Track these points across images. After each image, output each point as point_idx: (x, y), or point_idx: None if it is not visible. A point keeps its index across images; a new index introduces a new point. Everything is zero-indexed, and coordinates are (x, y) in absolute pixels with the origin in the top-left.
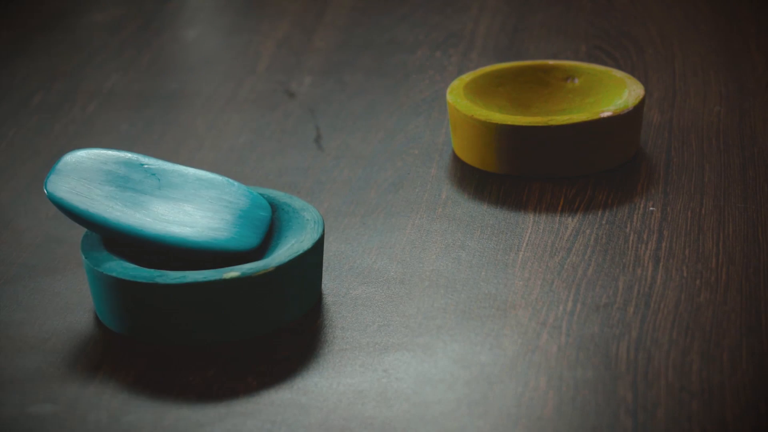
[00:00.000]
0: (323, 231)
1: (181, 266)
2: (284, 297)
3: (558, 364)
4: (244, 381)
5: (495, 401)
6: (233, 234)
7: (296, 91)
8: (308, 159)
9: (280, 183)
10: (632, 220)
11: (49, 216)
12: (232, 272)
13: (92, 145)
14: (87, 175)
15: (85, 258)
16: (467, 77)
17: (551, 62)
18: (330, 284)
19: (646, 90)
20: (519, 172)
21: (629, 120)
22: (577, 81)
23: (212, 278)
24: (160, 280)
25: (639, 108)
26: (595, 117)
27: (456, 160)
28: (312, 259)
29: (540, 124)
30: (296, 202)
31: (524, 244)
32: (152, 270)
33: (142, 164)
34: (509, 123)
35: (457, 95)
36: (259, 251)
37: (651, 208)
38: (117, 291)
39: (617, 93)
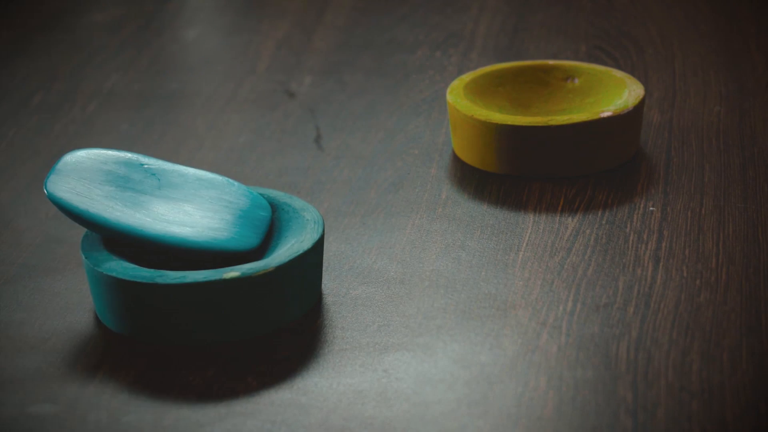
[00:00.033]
0: (323, 231)
1: (181, 266)
2: (284, 297)
3: (558, 364)
4: (244, 381)
5: (495, 401)
6: (233, 234)
7: (296, 91)
8: (308, 159)
9: (280, 183)
10: (632, 220)
11: (49, 216)
12: (232, 272)
13: (92, 145)
14: (87, 175)
15: (85, 258)
16: (467, 77)
17: (551, 62)
18: (330, 284)
19: (646, 90)
20: (519, 172)
21: (629, 120)
22: (577, 81)
23: (212, 278)
24: (160, 280)
25: (639, 108)
26: (595, 117)
27: (456, 160)
28: (312, 259)
29: (540, 124)
30: (296, 202)
31: (524, 244)
32: (152, 270)
33: (142, 164)
34: (509, 123)
35: (457, 95)
36: (259, 251)
37: (651, 208)
38: (117, 291)
39: (617, 93)
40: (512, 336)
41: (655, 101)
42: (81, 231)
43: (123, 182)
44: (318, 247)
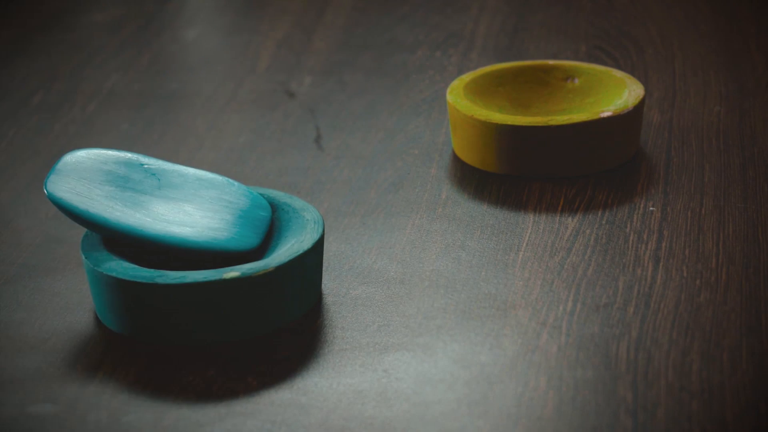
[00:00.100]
0: (323, 231)
1: (181, 266)
2: (284, 297)
3: (558, 364)
4: (244, 381)
5: (495, 401)
6: (233, 234)
7: (296, 91)
8: (308, 159)
9: (280, 183)
10: (632, 220)
11: (49, 216)
12: (232, 272)
13: (92, 145)
14: (87, 175)
15: (85, 258)
16: (467, 77)
17: (551, 62)
18: (330, 284)
19: (646, 90)
20: (519, 172)
21: (629, 120)
22: (577, 81)
23: (212, 278)
24: (160, 280)
25: (639, 108)
26: (595, 117)
27: (456, 160)
28: (312, 259)
29: (540, 124)
30: (296, 202)
31: (524, 244)
32: (152, 270)
33: (142, 164)
34: (509, 123)
35: (457, 95)
36: (259, 251)
37: (651, 208)
38: (117, 291)
39: (617, 93)
40: (512, 336)
41: (655, 101)
42: (81, 231)
43: (123, 182)
44: (318, 247)
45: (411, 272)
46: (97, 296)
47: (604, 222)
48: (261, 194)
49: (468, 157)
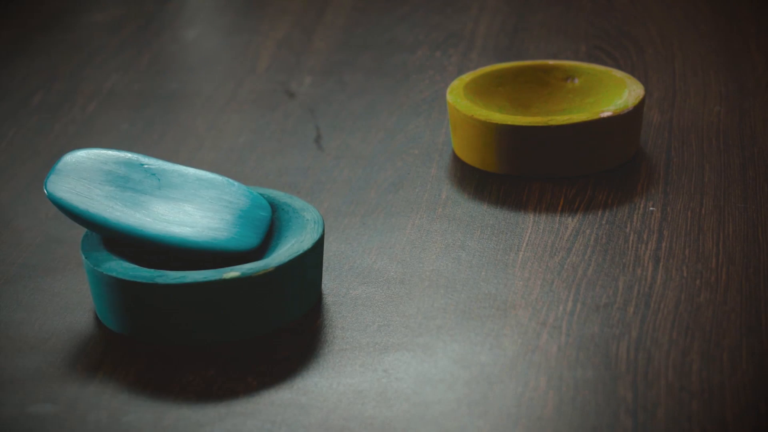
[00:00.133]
0: (323, 231)
1: (181, 266)
2: (284, 297)
3: (558, 364)
4: (244, 381)
5: (495, 401)
6: (233, 234)
7: (296, 91)
8: (308, 159)
9: (280, 183)
10: (632, 220)
11: (49, 216)
12: (232, 272)
13: (92, 145)
14: (87, 175)
15: (85, 258)
16: (467, 77)
17: (551, 62)
18: (330, 284)
19: (646, 90)
20: (519, 172)
21: (629, 120)
22: (577, 81)
23: (212, 278)
24: (160, 280)
25: (639, 108)
26: (595, 117)
27: (456, 160)
28: (312, 259)
29: (540, 124)
30: (296, 202)
31: (524, 244)
32: (152, 270)
33: (142, 164)
34: (509, 123)
35: (457, 95)
36: (259, 251)
37: (651, 208)
38: (117, 291)
39: (617, 93)
40: (512, 336)
41: (655, 101)
42: (81, 231)
43: (123, 182)
44: (318, 247)
45: (411, 272)
46: (97, 296)
47: (604, 222)
48: (261, 194)
49: (468, 157)
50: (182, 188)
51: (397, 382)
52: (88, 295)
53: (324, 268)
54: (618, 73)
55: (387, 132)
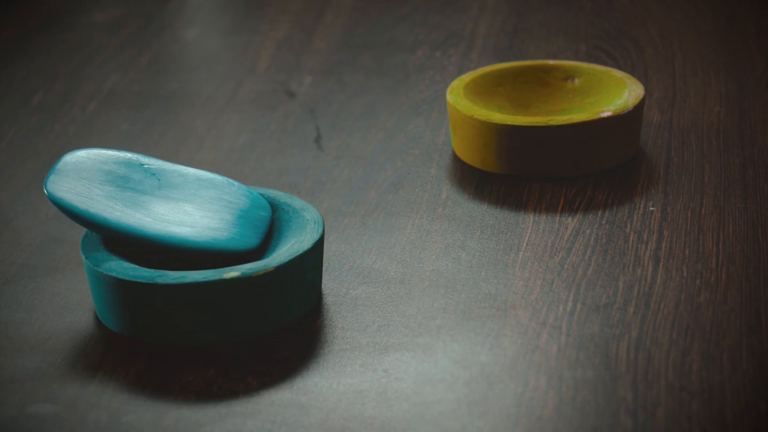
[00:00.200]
0: (323, 231)
1: (181, 266)
2: (284, 297)
3: (558, 364)
4: (244, 381)
5: (495, 401)
6: (233, 234)
7: (296, 91)
8: (308, 159)
9: (280, 183)
10: (632, 220)
11: (49, 216)
12: (232, 272)
13: (92, 145)
14: (87, 175)
15: (85, 258)
16: (467, 77)
17: (551, 62)
18: (330, 284)
19: (646, 90)
20: (519, 172)
21: (629, 120)
22: (577, 81)
23: (212, 278)
24: (160, 280)
25: (639, 108)
26: (595, 117)
27: (456, 160)
28: (312, 259)
29: (540, 124)
30: (296, 202)
31: (524, 244)
32: (152, 270)
33: (142, 164)
34: (509, 123)
35: (457, 95)
36: (259, 251)
37: (651, 208)
38: (117, 291)
39: (617, 93)
40: (512, 336)
41: (655, 101)
42: (81, 231)
43: (123, 182)
44: (318, 247)
45: (411, 272)
46: (97, 296)
47: (604, 222)
48: (261, 194)
49: (468, 157)
50: (182, 188)
51: (397, 382)
52: (88, 295)
53: (324, 268)
54: (618, 73)
55: (387, 132)
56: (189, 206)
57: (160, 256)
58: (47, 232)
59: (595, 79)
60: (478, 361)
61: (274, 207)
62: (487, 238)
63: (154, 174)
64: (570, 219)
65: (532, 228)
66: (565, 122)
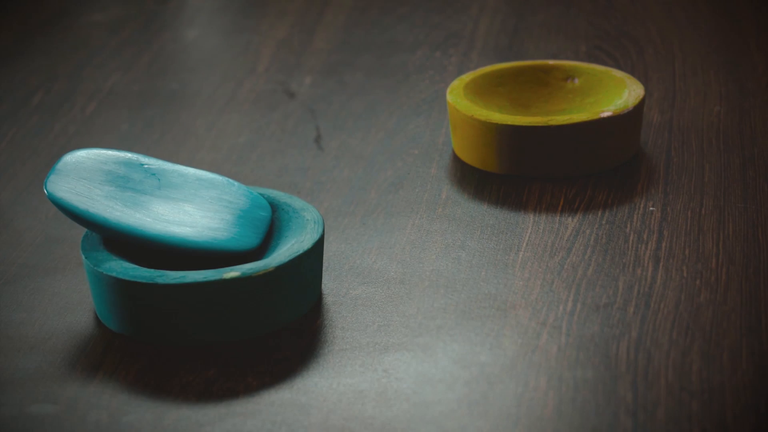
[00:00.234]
0: (323, 231)
1: (181, 266)
2: (284, 297)
3: (558, 364)
4: (244, 381)
5: (495, 401)
6: (233, 234)
7: (296, 91)
8: (308, 159)
9: (280, 183)
10: (632, 220)
11: (49, 216)
12: (232, 272)
13: (92, 145)
14: (87, 175)
15: (85, 258)
16: (467, 77)
17: (551, 62)
18: (330, 284)
19: (646, 90)
20: (519, 172)
21: (629, 120)
22: (577, 81)
23: (212, 278)
24: (160, 280)
25: (639, 108)
26: (595, 117)
27: (456, 160)
28: (312, 259)
29: (540, 124)
30: (296, 202)
31: (524, 244)
32: (152, 270)
33: (142, 164)
34: (509, 123)
35: (457, 95)
36: (259, 251)
37: (651, 208)
38: (117, 291)
39: (617, 93)
40: (512, 336)
41: (655, 101)
42: (81, 231)
43: (123, 182)
44: (318, 247)
45: (411, 272)
46: (97, 296)
47: (604, 222)
48: (261, 194)
49: (468, 157)
50: (182, 188)
51: (397, 382)
52: (88, 295)
53: (324, 268)
54: (618, 73)
55: (387, 132)
56: (189, 206)
57: (160, 256)
58: (47, 232)
59: (595, 79)
60: (478, 361)
61: (274, 207)
62: (487, 238)
63: (154, 174)
64: (570, 219)
65: (532, 228)
66: (565, 122)
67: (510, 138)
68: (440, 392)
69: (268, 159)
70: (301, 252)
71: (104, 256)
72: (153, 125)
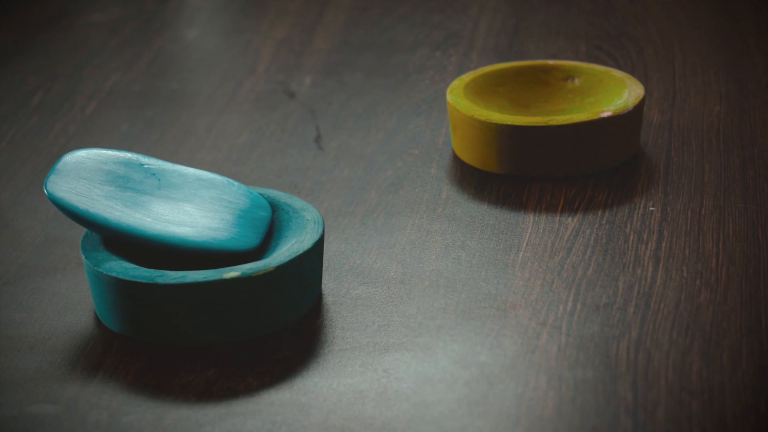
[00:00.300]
0: (323, 231)
1: (181, 266)
2: (284, 297)
3: (558, 364)
4: (244, 381)
5: (495, 401)
6: (233, 234)
7: (296, 91)
8: (308, 159)
9: (280, 183)
10: (632, 220)
11: (49, 216)
12: (232, 272)
13: (92, 145)
14: (87, 175)
15: (85, 258)
16: (467, 77)
17: (551, 62)
18: (330, 284)
19: (646, 90)
20: (519, 172)
21: (629, 120)
22: (577, 81)
23: (212, 278)
24: (160, 280)
25: (639, 108)
26: (595, 117)
27: (456, 160)
28: (312, 259)
29: (540, 124)
30: (296, 202)
31: (524, 244)
32: (152, 270)
33: (142, 164)
34: (509, 123)
35: (457, 95)
36: (259, 251)
37: (651, 208)
38: (117, 291)
39: (617, 93)
40: (512, 336)
41: (655, 101)
42: (81, 231)
43: (123, 182)
44: (318, 247)
45: (411, 272)
46: (97, 296)
47: (604, 222)
48: (261, 194)
49: (468, 157)
50: (182, 188)
51: (397, 382)
52: (88, 295)
53: (324, 268)
54: (618, 73)
55: (387, 132)
56: (189, 206)
57: (160, 256)
58: (47, 232)
59: (595, 79)
60: (478, 361)
61: (274, 207)
62: (487, 238)
63: (154, 174)
64: (570, 219)
65: (532, 228)
66: (565, 122)
67: (510, 138)
68: (440, 392)
69: (268, 159)
70: (301, 252)
71: (104, 256)
72: (153, 125)
